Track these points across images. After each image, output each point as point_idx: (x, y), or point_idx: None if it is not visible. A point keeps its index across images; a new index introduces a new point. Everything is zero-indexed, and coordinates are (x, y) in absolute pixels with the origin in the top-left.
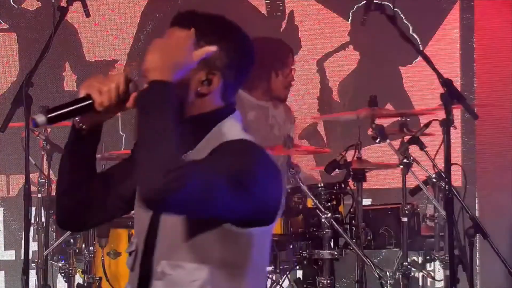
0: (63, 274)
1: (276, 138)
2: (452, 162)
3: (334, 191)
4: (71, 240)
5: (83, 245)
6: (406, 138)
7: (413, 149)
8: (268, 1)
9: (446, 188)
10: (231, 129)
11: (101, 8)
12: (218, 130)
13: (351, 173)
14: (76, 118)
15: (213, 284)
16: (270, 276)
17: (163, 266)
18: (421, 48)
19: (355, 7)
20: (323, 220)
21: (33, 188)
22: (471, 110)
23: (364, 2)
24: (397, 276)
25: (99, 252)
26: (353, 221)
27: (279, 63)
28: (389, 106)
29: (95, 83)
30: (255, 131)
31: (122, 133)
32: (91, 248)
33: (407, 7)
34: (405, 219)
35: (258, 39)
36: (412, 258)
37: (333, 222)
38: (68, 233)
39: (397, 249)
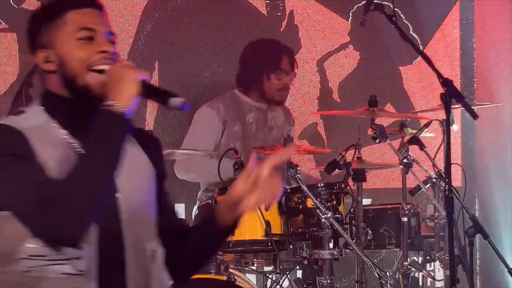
0: None
1: (275, 140)
2: (452, 162)
3: (334, 191)
4: None
5: None
6: (406, 138)
7: (413, 149)
8: (268, 1)
9: (446, 188)
10: None
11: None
12: None
13: (351, 173)
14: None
15: None
16: (270, 276)
17: None
18: (421, 48)
19: (355, 7)
20: (323, 220)
21: None
22: (471, 110)
23: (364, 2)
24: (397, 276)
25: None
26: (353, 221)
27: (271, 65)
28: (389, 106)
29: None
30: (254, 132)
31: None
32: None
33: (407, 7)
34: (405, 219)
35: (254, 41)
36: (412, 258)
37: (333, 222)
38: None
39: (397, 249)
